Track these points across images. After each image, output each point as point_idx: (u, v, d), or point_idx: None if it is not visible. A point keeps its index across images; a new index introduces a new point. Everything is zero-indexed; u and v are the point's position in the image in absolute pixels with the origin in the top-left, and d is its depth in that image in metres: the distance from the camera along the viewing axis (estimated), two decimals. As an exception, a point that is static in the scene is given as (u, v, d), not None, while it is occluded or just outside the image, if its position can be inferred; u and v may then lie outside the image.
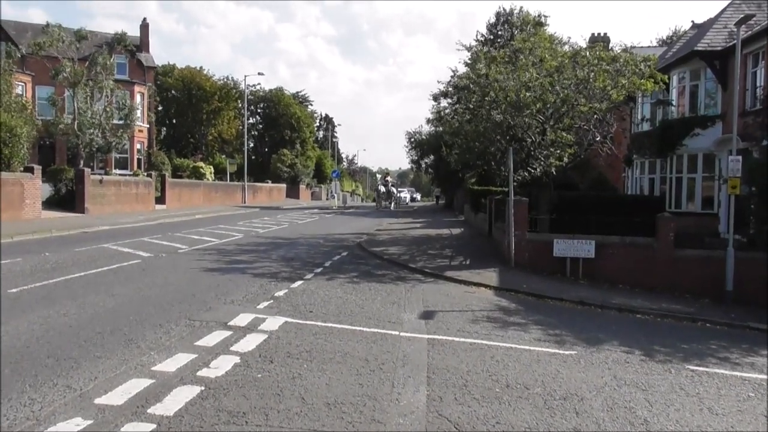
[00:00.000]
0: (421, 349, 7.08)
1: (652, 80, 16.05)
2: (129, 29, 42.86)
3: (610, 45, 23.95)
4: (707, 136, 19.74)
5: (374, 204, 52.05)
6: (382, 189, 48.41)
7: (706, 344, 8.98)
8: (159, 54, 45.29)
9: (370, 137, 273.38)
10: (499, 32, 35.59)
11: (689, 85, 21.11)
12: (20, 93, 33.60)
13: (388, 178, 53.29)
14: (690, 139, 20.33)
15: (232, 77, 65.12)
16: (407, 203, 63.12)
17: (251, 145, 66.55)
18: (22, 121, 23.96)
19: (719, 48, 19.26)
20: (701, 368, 7.31)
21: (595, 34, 32.60)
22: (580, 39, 54.97)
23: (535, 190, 17.69)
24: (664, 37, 46.20)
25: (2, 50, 29.61)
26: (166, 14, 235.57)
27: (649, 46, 31.83)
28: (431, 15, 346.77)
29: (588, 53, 16.75)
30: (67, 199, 26.81)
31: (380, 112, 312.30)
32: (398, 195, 53.16)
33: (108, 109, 32.46)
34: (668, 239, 14.04)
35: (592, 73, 15.94)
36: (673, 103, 21.82)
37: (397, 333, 7.76)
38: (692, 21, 26.45)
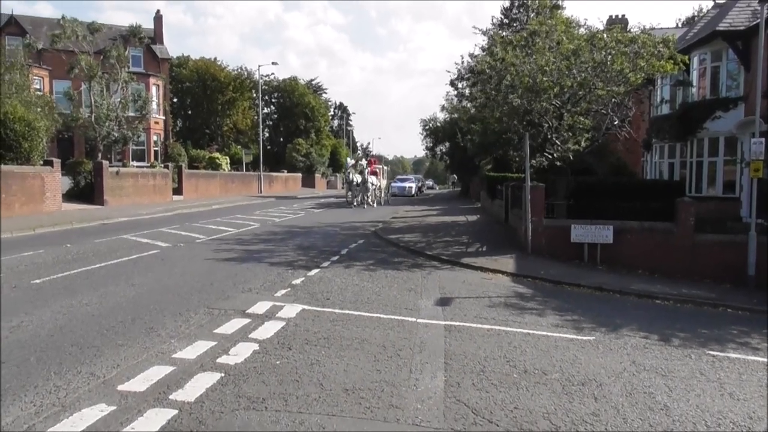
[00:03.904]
0: (439, 335, 7.09)
1: (672, 62, 15.75)
2: (136, 21, 43.22)
3: (628, 27, 23.55)
4: (729, 118, 19.36)
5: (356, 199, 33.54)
6: (356, 179, 32.58)
7: (726, 329, 8.87)
8: (168, 46, 45.69)
9: (384, 125, 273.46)
10: (515, 15, 35.13)
11: (710, 67, 20.68)
12: (38, 87, 34.05)
13: (377, 166, 37.44)
14: (711, 122, 19.97)
15: (245, 67, 65.49)
16: (413, 194, 49.10)
17: (266, 135, 66.88)
18: (41, 115, 24.27)
19: (742, 27, 18.81)
20: (722, 353, 7.23)
21: (613, 16, 32.16)
22: (597, 21, 54.17)
23: (552, 175, 17.53)
24: (688, 17, 45.20)
25: (3, 45, 29.92)
26: (173, 5, 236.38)
27: (669, 27, 31.24)
28: (440, 0, 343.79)
29: (605, 35, 16.48)
30: (86, 191, 27.17)
31: (392, 100, 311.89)
32: (379, 185, 36.05)
33: (124, 102, 32.76)
34: (688, 224, 13.84)
35: (610, 56, 15.68)
36: (694, 85, 21.42)
37: (414, 319, 7.77)
38: (714, 0, 25.86)
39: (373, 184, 33.90)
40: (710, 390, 5.79)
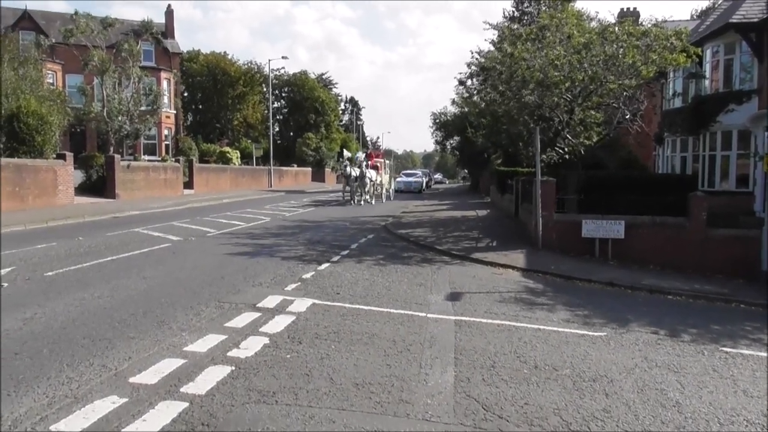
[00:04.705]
0: (449, 330, 7.08)
1: (685, 54, 15.57)
2: (147, 16, 43.44)
3: (640, 20, 23.30)
4: (742, 111, 19.10)
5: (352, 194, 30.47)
6: (354, 173, 29.16)
7: (740, 325, 8.77)
8: (178, 40, 45.50)
9: (393, 119, 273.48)
10: (526, 9, 34.90)
11: (723, 59, 20.41)
12: (51, 81, 34.32)
13: (378, 160, 34.29)
14: (724, 115, 19.74)
15: (255, 61, 65.58)
16: (420, 190, 45.77)
17: (276, 129, 67.05)
18: (54, 109, 24.47)
19: (755, 20, 18.53)
20: (735, 350, 7.15)
21: (624, 9, 31.84)
22: (608, 14, 53.68)
23: (563, 170, 17.44)
24: (703, 8, 44.63)
25: (17, 40, 30.15)
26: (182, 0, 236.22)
27: (681, 20, 30.90)
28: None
29: (617, 29, 16.32)
30: (98, 185, 27.40)
31: (402, 95, 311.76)
32: (380, 180, 32.45)
33: (135, 96, 32.95)
34: (701, 218, 13.71)
35: (622, 49, 15.54)
36: (707, 77, 21.18)
37: (424, 314, 7.76)
38: (727, -8, 25.52)
39: (371, 180, 30.50)
40: (723, 387, 5.73)
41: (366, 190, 30.22)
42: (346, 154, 31.31)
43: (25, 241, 13.23)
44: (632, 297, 10.54)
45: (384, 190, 33.34)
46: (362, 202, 29.40)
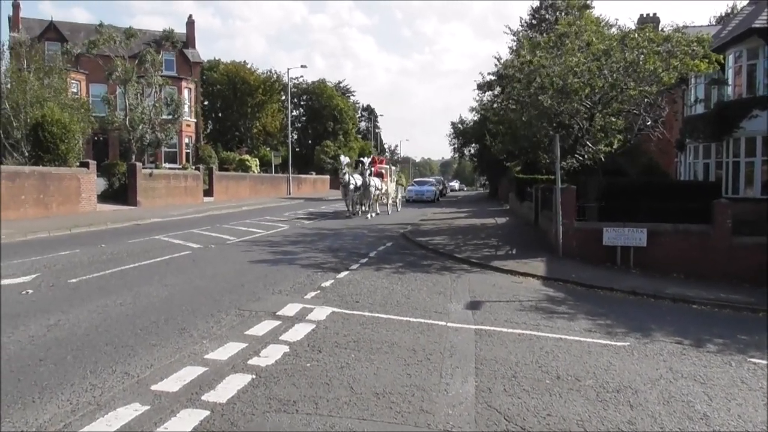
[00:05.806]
0: (469, 339, 7.02)
1: (707, 61, 15.38)
2: (168, 25, 44.16)
3: (660, 25, 23.09)
4: (766, 117, 18.81)
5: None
6: (355, 181, 25.33)
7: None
8: (198, 49, 45.92)
9: (410, 127, 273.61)
10: (545, 16, 34.79)
11: (746, 65, 20.14)
12: (75, 91, 35.00)
13: (383, 166, 29.77)
14: (748, 121, 19.45)
15: (274, 70, 66.17)
16: (432, 199, 41.84)
17: (295, 137, 67.41)
18: (77, 118, 24.92)
19: (779, 24, 18.29)
20: (763, 361, 6.97)
21: (644, 15, 31.59)
22: (628, 20, 53.27)
23: (583, 177, 17.28)
24: (723, 14, 44.13)
25: (43, 50, 30.83)
26: (201, 9, 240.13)
27: (702, 26, 30.54)
28: (466, 0, 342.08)
29: (637, 35, 16.18)
30: (120, 192, 27.79)
31: (418, 102, 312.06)
32: (385, 189, 28.69)
33: (157, 105, 33.44)
34: (725, 226, 13.47)
35: (642, 56, 15.39)
36: (729, 83, 20.88)
37: (444, 323, 7.71)
38: (750, -3, 25.17)
39: (377, 189, 26.88)
40: (753, 399, 5.59)
41: (371, 200, 26.74)
42: (344, 159, 26.38)
43: (49, 248, 13.44)
44: (655, 306, 10.37)
45: (390, 200, 29.75)
46: (369, 216, 25.72)
